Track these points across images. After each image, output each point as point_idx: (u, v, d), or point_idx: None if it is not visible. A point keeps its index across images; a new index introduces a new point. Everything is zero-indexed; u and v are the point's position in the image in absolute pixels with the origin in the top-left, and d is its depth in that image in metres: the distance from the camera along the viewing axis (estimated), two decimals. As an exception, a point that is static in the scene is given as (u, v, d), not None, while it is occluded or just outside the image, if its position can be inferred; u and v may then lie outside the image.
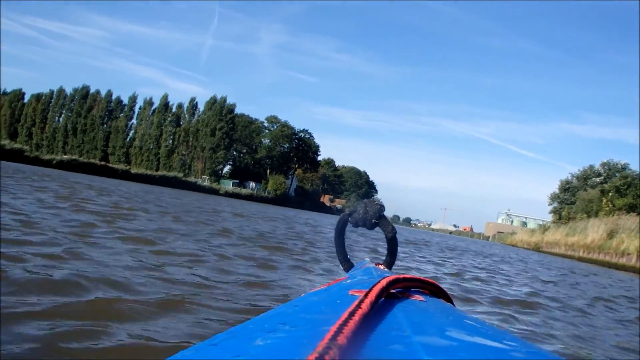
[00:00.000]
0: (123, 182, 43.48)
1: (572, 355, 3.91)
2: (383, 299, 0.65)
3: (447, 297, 0.85)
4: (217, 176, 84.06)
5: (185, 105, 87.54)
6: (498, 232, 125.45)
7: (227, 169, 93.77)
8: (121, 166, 67.49)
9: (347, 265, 1.47)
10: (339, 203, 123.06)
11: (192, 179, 74.85)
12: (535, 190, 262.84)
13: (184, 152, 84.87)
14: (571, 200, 68.84)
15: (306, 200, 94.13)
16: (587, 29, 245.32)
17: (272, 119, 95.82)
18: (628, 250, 27.34)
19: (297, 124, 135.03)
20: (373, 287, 0.63)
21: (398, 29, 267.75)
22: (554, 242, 49.04)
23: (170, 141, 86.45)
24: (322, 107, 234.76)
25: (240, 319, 3.14)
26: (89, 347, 2.44)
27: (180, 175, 73.12)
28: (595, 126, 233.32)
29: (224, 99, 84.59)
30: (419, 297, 0.74)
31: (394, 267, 1.42)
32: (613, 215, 40.21)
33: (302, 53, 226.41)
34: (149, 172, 68.87)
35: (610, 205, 44.99)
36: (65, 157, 61.47)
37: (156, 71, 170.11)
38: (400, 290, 0.74)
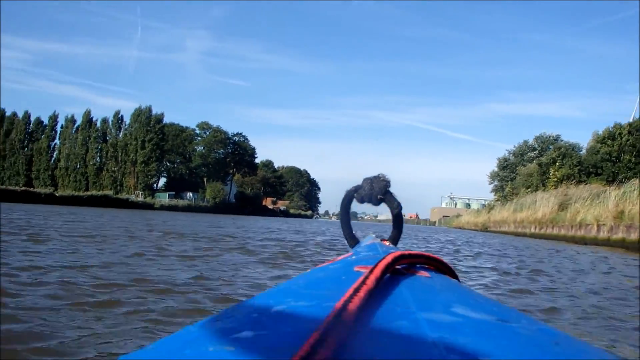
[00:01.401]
0: (46, 207, 40.14)
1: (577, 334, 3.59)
2: (388, 275, 0.65)
3: (452, 273, 0.85)
4: (151, 190, 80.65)
5: (110, 119, 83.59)
6: (444, 216, 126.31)
7: (162, 181, 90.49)
8: (44, 189, 63.26)
9: (353, 241, 1.46)
10: (282, 204, 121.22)
11: (124, 195, 71.14)
12: (474, 171, 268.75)
13: (113, 168, 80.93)
14: (511, 177, 68.94)
15: (248, 205, 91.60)
16: (501, 12, 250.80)
17: (204, 125, 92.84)
18: (585, 220, 25.92)
19: (233, 129, 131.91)
20: (378, 263, 0.63)
21: (321, 25, 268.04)
22: (501, 221, 47.90)
23: (98, 158, 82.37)
24: (256, 109, 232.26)
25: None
26: None
27: (111, 192, 69.30)
28: (521, 103, 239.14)
29: (149, 109, 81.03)
30: (424, 273, 0.74)
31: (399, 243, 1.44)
32: (558, 187, 39.31)
33: (230, 57, 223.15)
34: (75, 193, 64.82)
35: (559, 176, 44.08)
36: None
37: (80, 89, 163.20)
38: (405, 266, 0.74)
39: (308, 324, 0.46)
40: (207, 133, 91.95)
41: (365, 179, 1.26)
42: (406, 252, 0.73)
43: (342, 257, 1.01)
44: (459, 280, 0.84)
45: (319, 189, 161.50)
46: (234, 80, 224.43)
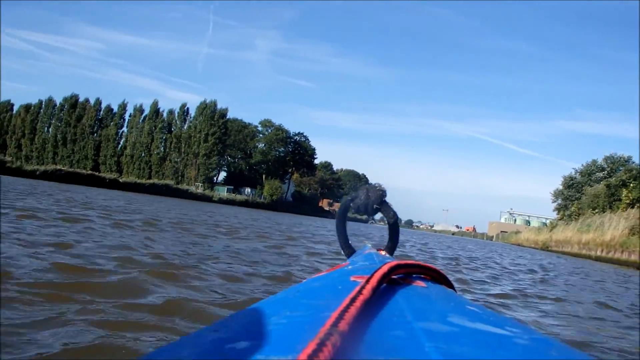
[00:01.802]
0: (108, 192, 41.31)
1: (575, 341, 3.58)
2: (384, 284, 0.65)
3: (448, 283, 0.84)
4: (210, 183, 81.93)
5: (176, 111, 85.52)
6: (501, 231, 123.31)
7: (222, 175, 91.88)
8: (109, 175, 65.22)
9: (349, 250, 1.46)
10: (337, 207, 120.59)
11: (184, 186, 72.56)
12: (537, 188, 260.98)
13: (176, 159, 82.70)
14: (576, 196, 66.64)
15: (304, 204, 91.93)
16: (580, 26, 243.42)
17: (266, 123, 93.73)
18: None
19: (295, 129, 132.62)
20: (374, 273, 0.63)
21: (393, 31, 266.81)
22: (564, 241, 45.71)
23: (162, 148, 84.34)
24: (319, 111, 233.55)
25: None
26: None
27: (172, 182, 70.79)
28: (592, 122, 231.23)
29: (214, 103, 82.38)
30: (420, 283, 0.74)
31: (395, 253, 1.43)
32: (628, 210, 37.20)
33: (298, 58, 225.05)
34: (138, 180, 66.52)
35: (631, 198, 41.70)
36: (49, 167, 59.20)
37: (152, 81, 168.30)
38: (401, 276, 0.74)
39: (304, 333, 0.46)
40: (269, 131, 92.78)
41: (361, 188, 1.26)
42: (402, 262, 0.73)
43: (338, 266, 1.00)
44: (455, 290, 0.84)
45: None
46: (299, 80, 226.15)
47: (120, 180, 62.01)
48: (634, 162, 60.20)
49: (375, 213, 1.25)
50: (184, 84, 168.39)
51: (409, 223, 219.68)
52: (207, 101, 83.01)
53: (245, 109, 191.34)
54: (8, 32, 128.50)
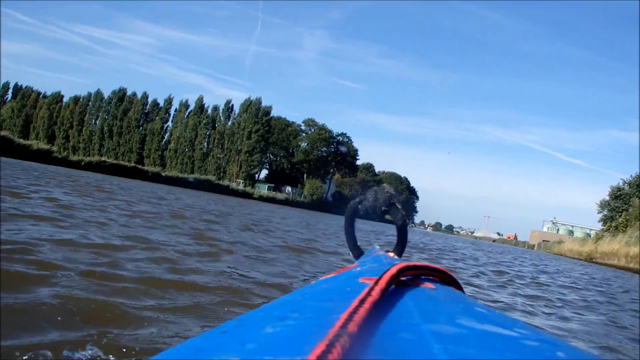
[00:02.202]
0: (150, 184, 41.48)
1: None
2: (393, 286, 0.65)
3: (457, 285, 0.84)
4: (252, 180, 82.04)
5: (221, 107, 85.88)
6: (543, 240, 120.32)
7: (263, 172, 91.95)
8: (152, 168, 65.80)
9: (357, 252, 1.45)
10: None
11: (225, 182, 72.74)
12: (582, 198, 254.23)
13: (219, 155, 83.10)
14: (623, 207, 64.11)
15: (344, 205, 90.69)
16: (633, 33, 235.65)
17: (310, 122, 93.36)
18: None
19: (340, 130, 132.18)
20: (383, 274, 0.63)
21: (442, 34, 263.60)
22: (610, 253, 43.57)
23: (205, 144, 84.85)
24: (365, 113, 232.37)
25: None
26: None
27: (214, 178, 71.03)
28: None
29: (259, 101, 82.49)
30: (429, 285, 0.73)
31: (403, 255, 1.42)
32: None
33: (346, 59, 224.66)
34: (180, 174, 66.94)
35: None
36: (93, 158, 60.04)
37: (201, 77, 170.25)
38: (410, 277, 0.74)
39: (313, 335, 0.46)
40: (312, 130, 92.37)
41: (370, 190, 1.27)
42: (411, 264, 0.73)
43: (347, 268, 1.01)
44: (463, 291, 0.84)
45: (417, 197, 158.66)
46: (346, 81, 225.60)
47: (163, 174, 62.40)
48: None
49: (384, 215, 1.25)
50: (231, 82, 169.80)
51: (450, 228, 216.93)
52: (252, 98, 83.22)
53: (292, 108, 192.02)
54: (63, 25, 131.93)
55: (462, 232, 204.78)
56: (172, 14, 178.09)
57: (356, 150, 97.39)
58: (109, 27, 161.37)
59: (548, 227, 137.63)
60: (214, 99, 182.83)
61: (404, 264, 0.70)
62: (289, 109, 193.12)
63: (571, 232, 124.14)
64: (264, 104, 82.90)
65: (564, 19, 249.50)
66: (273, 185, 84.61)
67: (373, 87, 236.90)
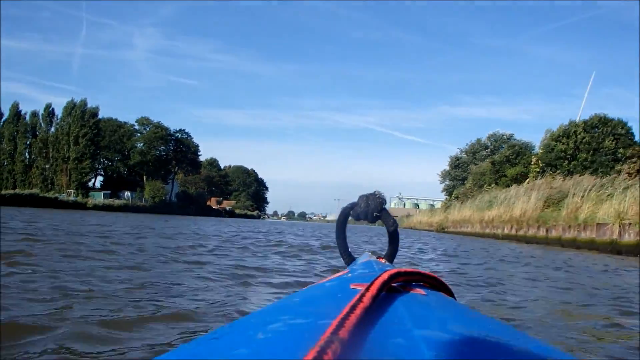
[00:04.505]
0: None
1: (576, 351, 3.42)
2: (384, 292, 0.65)
3: (448, 291, 0.85)
4: (86, 189, 75.58)
5: (41, 113, 77.85)
6: (393, 216, 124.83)
7: (99, 180, 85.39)
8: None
9: (348, 258, 1.48)
10: (228, 204, 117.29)
11: (52, 194, 66.04)
12: (423, 172, 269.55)
13: (44, 165, 75.48)
14: (463, 175, 67.51)
15: (190, 204, 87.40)
16: (457, 16, 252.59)
17: (144, 121, 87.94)
18: (595, 219, 19.97)
19: (178, 127, 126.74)
20: (374, 280, 0.63)
21: (277, 26, 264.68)
22: (462, 220, 43.58)
23: (27, 155, 76.70)
24: (206, 109, 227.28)
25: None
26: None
27: (37, 191, 64.12)
28: (472, 107, 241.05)
29: (84, 102, 75.84)
30: (420, 291, 0.74)
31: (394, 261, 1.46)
32: (535, 181, 35.39)
33: (180, 56, 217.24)
34: (-4, 192, 59.62)
35: (541, 166, 40.35)
36: None
37: (23, 85, 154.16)
38: (401, 283, 0.74)
39: (304, 341, 0.45)
40: (147, 129, 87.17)
41: (361, 196, 1.28)
42: (402, 270, 0.73)
43: (338, 274, 1.01)
44: (455, 298, 0.84)
45: (266, 189, 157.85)
46: (182, 79, 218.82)
47: (-27, 193, 55.02)
48: (515, 139, 61.59)
49: (375, 221, 1.26)
50: (59, 88, 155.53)
51: (302, 215, 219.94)
52: (76, 100, 76.37)
53: (129, 111, 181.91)
54: None
55: (314, 217, 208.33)
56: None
57: (197, 145, 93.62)
58: None
59: (395, 203, 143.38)
60: (40, 107, 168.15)
61: (395, 270, 0.70)
62: (127, 112, 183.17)
63: (417, 205, 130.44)
64: (89, 104, 76.38)
65: (388, 6, 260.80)
66: (109, 192, 78.66)
67: (211, 83, 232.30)
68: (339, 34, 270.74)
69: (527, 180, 39.73)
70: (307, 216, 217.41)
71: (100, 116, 78.98)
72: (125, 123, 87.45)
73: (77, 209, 60.00)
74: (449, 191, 70.77)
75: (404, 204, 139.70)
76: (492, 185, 46.02)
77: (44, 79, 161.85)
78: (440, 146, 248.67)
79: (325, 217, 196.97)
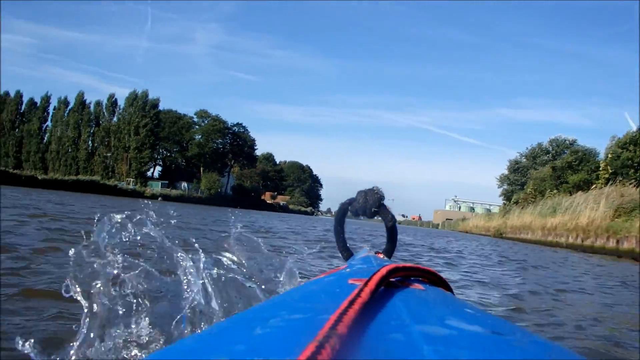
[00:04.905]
0: (21, 190, 36.83)
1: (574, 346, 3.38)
2: (382, 287, 0.65)
3: (446, 286, 0.85)
4: (144, 178, 77.30)
5: (104, 103, 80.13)
6: (447, 219, 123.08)
7: (158, 170, 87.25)
8: (26, 172, 59.98)
9: (347, 254, 1.48)
10: (281, 199, 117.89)
11: (112, 182, 67.73)
12: (479, 175, 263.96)
13: (105, 153, 77.60)
14: (522, 180, 65.60)
15: (245, 198, 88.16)
16: (519, 17, 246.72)
17: (203, 114, 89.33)
18: None
19: (235, 121, 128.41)
20: (372, 276, 0.63)
21: (334, 24, 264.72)
22: (522, 226, 41.45)
23: (90, 143, 79.03)
24: (263, 105, 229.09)
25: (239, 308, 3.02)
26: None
27: (98, 178, 65.89)
28: (532, 110, 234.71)
29: (145, 94, 77.54)
30: (418, 286, 0.74)
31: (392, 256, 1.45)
32: (604, 187, 33.41)
33: (240, 52, 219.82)
34: (59, 177, 61.49)
35: (610, 173, 38.25)
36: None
37: (89, 76, 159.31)
38: (399, 279, 0.74)
39: (303, 336, 0.45)
40: (206, 122, 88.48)
41: (360, 192, 1.28)
42: (400, 265, 0.73)
43: (337, 269, 1.01)
44: (453, 293, 0.84)
45: (321, 185, 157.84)
46: (242, 74, 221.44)
47: (39, 177, 56.87)
48: (578, 145, 59.26)
49: (374, 216, 1.27)
50: (122, 79, 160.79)
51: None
52: (138, 91, 78.19)
53: (187, 105, 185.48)
54: None
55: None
56: (54, 11, 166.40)
57: (253, 139, 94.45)
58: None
59: (450, 206, 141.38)
60: (102, 97, 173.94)
61: (393, 265, 0.70)
62: (185, 105, 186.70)
63: (472, 209, 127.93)
64: (151, 96, 78.05)
65: (446, 3, 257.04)
66: (167, 182, 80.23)
67: (269, 79, 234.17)
68: (396, 32, 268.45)
69: (594, 186, 37.72)
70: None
71: (160, 108, 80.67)
72: (184, 115, 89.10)
73: (136, 197, 61.31)
74: (507, 196, 68.79)
75: (459, 207, 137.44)
76: (555, 191, 44.07)
77: (109, 70, 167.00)
78: (498, 149, 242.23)
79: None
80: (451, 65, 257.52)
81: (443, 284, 0.83)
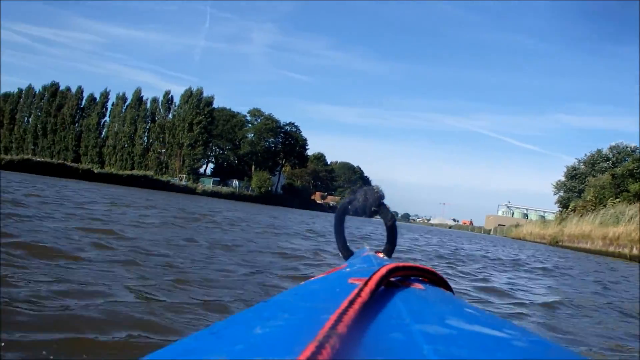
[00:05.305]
0: (77, 184, 37.76)
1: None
2: (383, 287, 0.65)
3: (446, 286, 0.84)
4: (196, 174, 78.32)
5: (160, 99, 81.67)
6: (499, 224, 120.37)
7: (210, 167, 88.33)
8: (83, 166, 61.53)
9: (347, 253, 1.44)
10: (331, 200, 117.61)
11: (165, 177, 68.86)
12: (534, 181, 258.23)
13: (160, 149, 79.03)
14: (579, 187, 63.25)
15: (294, 197, 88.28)
16: (578, 21, 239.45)
17: (256, 112, 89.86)
18: None
19: (288, 120, 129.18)
20: (373, 275, 0.63)
21: (391, 25, 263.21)
22: (581, 235, 39.62)
23: (145, 138, 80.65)
24: (316, 105, 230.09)
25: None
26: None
27: (152, 173, 67.09)
28: (589, 116, 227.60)
29: (200, 91, 78.57)
30: (418, 286, 0.74)
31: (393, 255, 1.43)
32: None
33: (295, 52, 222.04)
34: (114, 171, 62.91)
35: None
36: (16, 157, 55.61)
37: (148, 74, 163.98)
38: (399, 278, 0.73)
39: (303, 336, 0.45)
40: (259, 120, 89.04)
41: (359, 191, 1.26)
42: (400, 264, 0.73)
43: (336, 269, 1.01)
44: (453, 292, 0.84)
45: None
46: (296, 74, 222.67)
47: (95, 171, 58.30)
48: (640, 152, 56.69)
49: (373, 215, 1.24)
50: (179, 78, 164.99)
51: (406, 217, 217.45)
52: (193, 89, 79.30)
53: (241, 103, 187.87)
54: (5, 25, 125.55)
55: (418, 220, 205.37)
56: (118, 11, 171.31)
57: (305, 139, 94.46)
58: (53, 26, 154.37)
59: (503, 212, 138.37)
60: (158, 94, 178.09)
61: (393, 264, 0.70)
62: (238, 104, 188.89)
63: (526, 215, 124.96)
64: (205, 94, 79.01)
65: (510, 8, 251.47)
66: (219, 179, 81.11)
67: (322, 79, 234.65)
68: (450, 34, 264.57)
69: None
70: (410, 218, 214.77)
71: (214, 105, 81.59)
72: (237, 113, 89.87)
73: (188, 193, 62.21)
74: (563, 203, 66.42)
75: (512, 213, 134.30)
76: (617, 200, 42.00)
77: (166, 68, 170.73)
78: (554, 155, 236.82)
79: (429, 220, 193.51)
80: (509, 70, 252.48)
81: (443, 283, 0.83)
